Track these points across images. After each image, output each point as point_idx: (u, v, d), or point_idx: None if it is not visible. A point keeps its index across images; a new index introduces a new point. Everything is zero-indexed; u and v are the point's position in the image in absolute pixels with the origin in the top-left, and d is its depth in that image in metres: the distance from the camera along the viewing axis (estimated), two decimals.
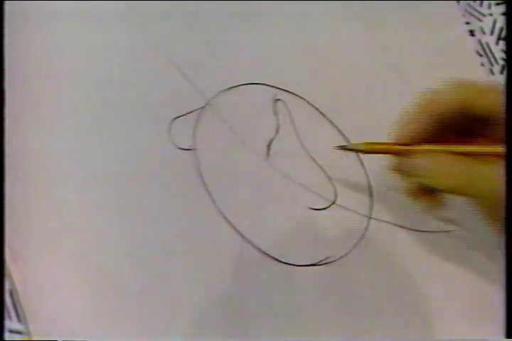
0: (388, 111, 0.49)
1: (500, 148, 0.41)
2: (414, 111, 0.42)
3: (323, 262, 0.44)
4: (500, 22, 0.54)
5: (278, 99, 0.47)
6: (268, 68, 0.47)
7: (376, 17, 0.51)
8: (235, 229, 0.43)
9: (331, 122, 0.47)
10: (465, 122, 0.42)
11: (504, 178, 0.40)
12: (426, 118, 0.42)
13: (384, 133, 0.48)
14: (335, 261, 0.44)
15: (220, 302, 0.41)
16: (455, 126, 0.42)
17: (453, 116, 0.41)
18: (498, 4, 0.55)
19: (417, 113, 0.42)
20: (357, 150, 0.44)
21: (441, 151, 0.41)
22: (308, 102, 0.47)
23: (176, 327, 0.40)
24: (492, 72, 0.52)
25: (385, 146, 0.43)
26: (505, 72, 0.52)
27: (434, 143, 0.41)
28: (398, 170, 0.42)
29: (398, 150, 0.42)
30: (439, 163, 0.40)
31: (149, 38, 0.46)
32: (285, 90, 0.47)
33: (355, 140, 0.47)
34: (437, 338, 0.44)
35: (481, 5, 0.54)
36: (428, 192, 0.42)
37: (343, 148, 0.44)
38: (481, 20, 0.54)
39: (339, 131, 0.47)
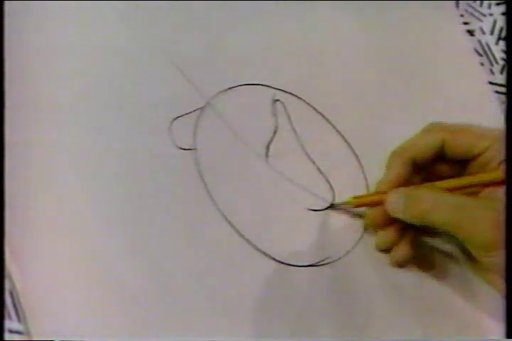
0: (388, 111, 0.49)
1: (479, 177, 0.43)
2: (391, 160, 0.44)
3: (323, 262, 0.44)
4: (500, 22, 0.54)
5: (277, 100, 0.47)
6: (267, 69, 0.47)
7: (376, 17, 0.51)
8: (235, 229, 0.43)
9: (330, 123, 0.47)
10: (443, 163, 0.45)
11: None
12: (403, 164, 0.44)
13: (383, 133, 0.48)
14: (334, 261, 0.44)
15: (219, 302, 0.41)
16: (433, 168, 0.45)
17: (430, 158, 0.44)
18: (498, 4, 0.55)
19: (393, 160, 0.44)
20: (346, 207, 0.45)
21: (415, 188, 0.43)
22: (306, 103, 0.47)
23: (176, 326, 0.40)
24: (492, 72, 0.52)
25: (370, 197, 0.45)
26: (505, 72, 0.52)
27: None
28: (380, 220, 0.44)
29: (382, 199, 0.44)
30: (412, 198, 0.42)
31: (149, 38, 0.46)
32: (284, 91, 0.47)
33: (354, 141, 0.47)
34: (437, 338, 0.44)
35: (481, 5, 0.54)
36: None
37: (331, 207, 0.45)
38: (481, 20, 0.54)
39: (338, 131, 0.47)
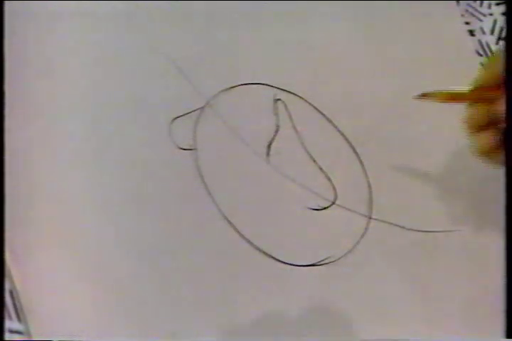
0: (388, 111, 0.49)
1: None
2: (487, 62, 0.42)
3: (323, 262, 0.44)
4: (500, 22, 0.54)
5: (278, 99, 0.47)
6: (268, 68, 0.47)
7: (376, 17, 0.51)
8: (235, 229, 0.43)
9: (331, 122, 0.47)
10: None
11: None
12: (498, 66, 0.41)
13: (383, 131, 0.48)
14: (335, 261, 0.44)
15: (219, 302, 0.41)
16: None
17: None
18: (498, 4, 0.55)
19: (489, 63, 0.42)
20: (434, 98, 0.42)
21: None
22: (307, 102, 0.47)
23: (175, 327, 0.40)
24: None
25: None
26: (505, 72, 0.52)
27: None
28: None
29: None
30: None
31: (149, 38, 0.46)
32: (285, 90, 0.47)
33: (355, 140, 0.47)
34: (437, 338, 0.44)
35: (481, 5, 0.54)
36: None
37: (421, 97, 0.43)
38: (481, 20, 0.54)
39: (339, 130, 0.47)
